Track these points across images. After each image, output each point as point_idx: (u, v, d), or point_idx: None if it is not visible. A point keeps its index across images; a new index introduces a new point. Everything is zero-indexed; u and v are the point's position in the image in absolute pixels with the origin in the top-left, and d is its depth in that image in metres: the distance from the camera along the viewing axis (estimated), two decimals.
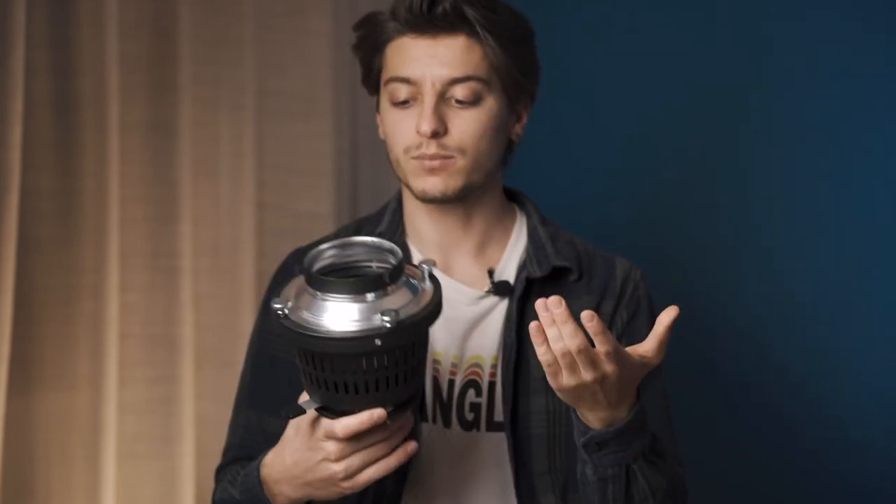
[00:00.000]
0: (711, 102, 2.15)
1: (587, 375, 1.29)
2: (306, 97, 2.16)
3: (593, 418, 1.36)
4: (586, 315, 1.27)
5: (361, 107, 2.20)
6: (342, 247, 1.34)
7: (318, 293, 1.28)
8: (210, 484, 1.94)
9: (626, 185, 2.23)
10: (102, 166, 1.94)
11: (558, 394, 1.34)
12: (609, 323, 1.56)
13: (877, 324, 2.01)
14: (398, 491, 1.50)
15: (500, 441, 1.52)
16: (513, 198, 1.64)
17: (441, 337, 1.52)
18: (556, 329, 1.27)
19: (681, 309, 2.11)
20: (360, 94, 2.19)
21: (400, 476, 1.49)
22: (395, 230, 1.59)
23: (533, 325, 1.28)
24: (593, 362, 1.28)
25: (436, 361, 1.52)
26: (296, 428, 1.37)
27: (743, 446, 2.13)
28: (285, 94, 2.14)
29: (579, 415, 1.37)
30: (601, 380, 1.30)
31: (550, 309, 1.27)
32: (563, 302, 1.27)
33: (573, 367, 1.29)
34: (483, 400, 1.52)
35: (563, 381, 1.30)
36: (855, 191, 2.03)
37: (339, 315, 1.27)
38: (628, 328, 1.57)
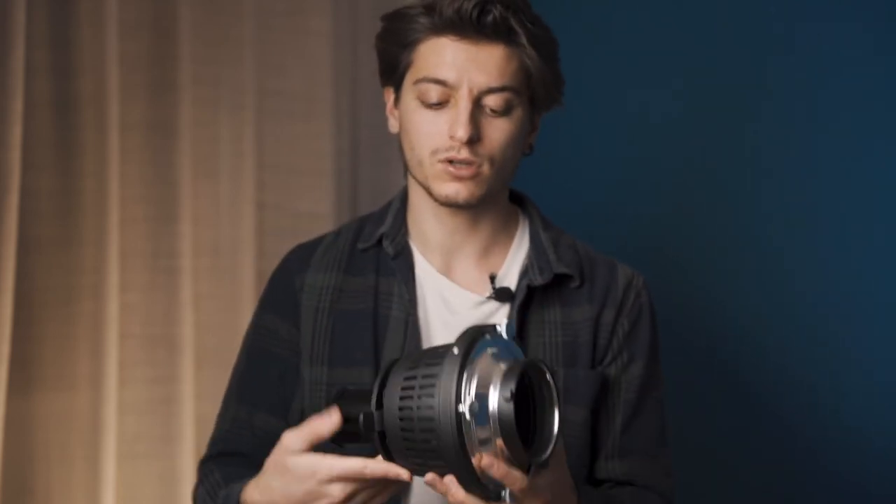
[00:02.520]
0: (715, 105, 2.15)
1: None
2: (306, 97, 2.16)
3: None
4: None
5: (361, 107, 2.20)
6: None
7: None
8: None
9: (629, 187, 2.24)
10: (102, 166, 1.94)
11: None
12: (610, 332, 1.56)
13: (877, 324, 2.02)
14: (396, 495, 1.48)
15: None
16: (516, 201, 1.63)
17: (441, 340, 1.51)
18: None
19: (683, 310, 2.13)
20: (360, 94, 2.19)
21: None
22: (398, 231, 1.58)
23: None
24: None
25: None
26: (279, 466, 1.34)
27: (743, 446, 2.13)
28: (285, 94, 2.14)
29: None
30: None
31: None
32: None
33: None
34: None
35: None
36: (856, 191, 2.03)
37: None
38: (630, 337, 1.57)
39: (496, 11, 1.45)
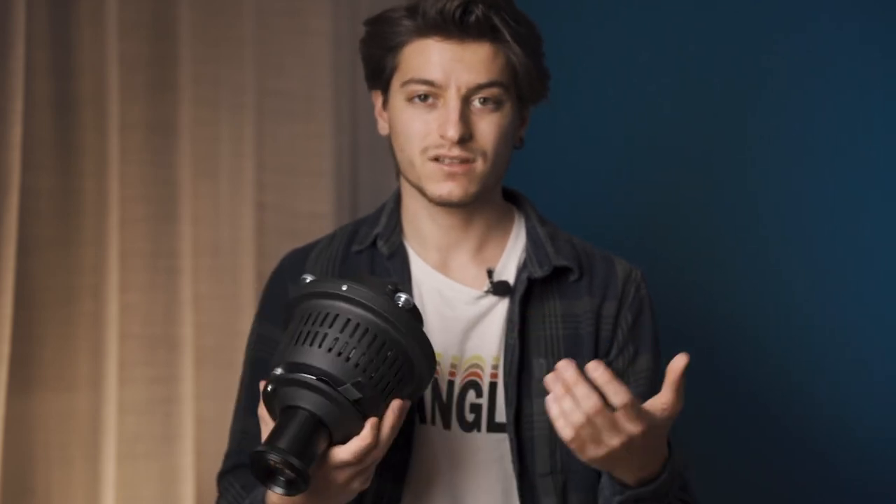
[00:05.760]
0: (712, 103, 2.15)
1: (613, 441, 1.30)
2: (306, 97, 2.16)
3: (628, 477, 1.37)
4: (591, 365, 1.29)
5: (361, 107, 2.20)
6: None
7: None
8: (210, 483, 1.94)
9: (625, 186, 2.24)
10: (102, 166, 1.94)
11: (590, 464, 1.34)
12: (613, 325, 1.57)
13: (879, 324, 2.01)
14: (397, 492, 1.49)
15: (500, 442, 1.52)
16: (510, 198, 1.64)
17: (439, 336, 1.52)
18: (570, 399, 1.28)
19: (682, 310, 2.13)
20: (360, 94, 2.19)
21: (399, 477, 1.49)
22: (393, 231, 1.58)
23: (549, 399, 1.29)
24: (614, 425, 1.29)
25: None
26: None
27: (741, 443, 2.13)
28: (285, 94, 2.14)
29: (613, 474, 1.38)
30: (629, 443, 1.31)
31: (562, 374, 1.28)
32: (573, 364, 1.28)
33: (596, 438, 1.30)
34: (484, 401, 1.52)
35: (590, 452, 1.32)
36: (856, 192, 2.03)
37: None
38: (633, 330, 1.57)
39: (479, 11, 1.46)
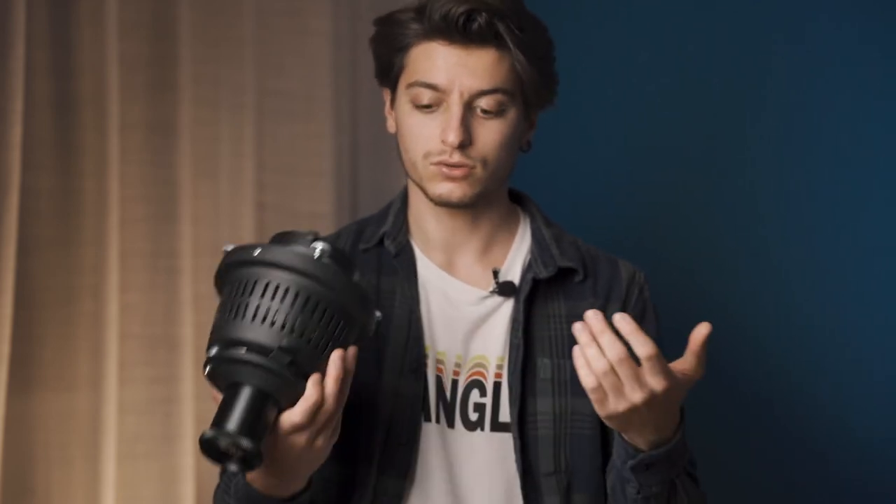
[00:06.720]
0: (712, 104, 2.15)
1: (635, 396, 1.30)
2: (306, 97, 2.16)
3: (640, 441, 1.37)
4: (618, 316, 1.29)
5: (361, 107, 2.20)
6: None
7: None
8: (210, 483, 1.95)
9: (625, 186, 2.24)
10: (102, 166, 1.94)
11: (606, 422, 1.34)
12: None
13: (880, 324, 2.02)
14: (400, 491, 1.50)
15: (504, 441, 1.52)
16: (516, 199, 1.64)
17: (444, 336, 1.53)
18: (595, 347, 1.28)
19: (682, 310, 2.13)
20: (360, 94, 2.19)
21: (402, 475, 1.50)
22: (399, 230, 1.59)
23: (575, 349, 1.30)
24: (638, 378, 1.29)
25: (439, 361, 1.52)
26: None
27: (741, 445, 2.13)
28: (285, 94, 2.14)
29: (626, 438, 1.38)
30: (650, 399, 1.30)
31: (589, 323, 1.28)
32: (601, 314, 1.29)
33: (618, 389, 1.30)
34: (488, 400, 1.52)
35: (610, 406, 1.31)
36: (856, 192, 2.03)
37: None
38: None
39: (482, 19, 1.46)
